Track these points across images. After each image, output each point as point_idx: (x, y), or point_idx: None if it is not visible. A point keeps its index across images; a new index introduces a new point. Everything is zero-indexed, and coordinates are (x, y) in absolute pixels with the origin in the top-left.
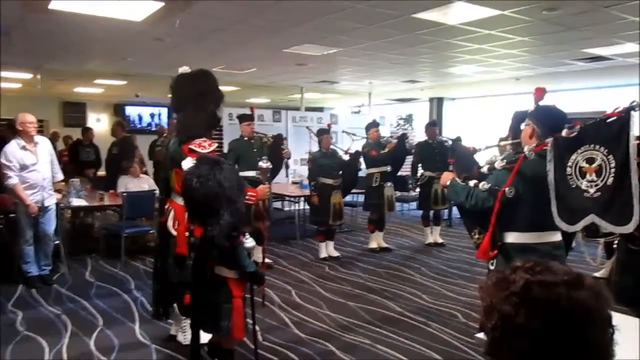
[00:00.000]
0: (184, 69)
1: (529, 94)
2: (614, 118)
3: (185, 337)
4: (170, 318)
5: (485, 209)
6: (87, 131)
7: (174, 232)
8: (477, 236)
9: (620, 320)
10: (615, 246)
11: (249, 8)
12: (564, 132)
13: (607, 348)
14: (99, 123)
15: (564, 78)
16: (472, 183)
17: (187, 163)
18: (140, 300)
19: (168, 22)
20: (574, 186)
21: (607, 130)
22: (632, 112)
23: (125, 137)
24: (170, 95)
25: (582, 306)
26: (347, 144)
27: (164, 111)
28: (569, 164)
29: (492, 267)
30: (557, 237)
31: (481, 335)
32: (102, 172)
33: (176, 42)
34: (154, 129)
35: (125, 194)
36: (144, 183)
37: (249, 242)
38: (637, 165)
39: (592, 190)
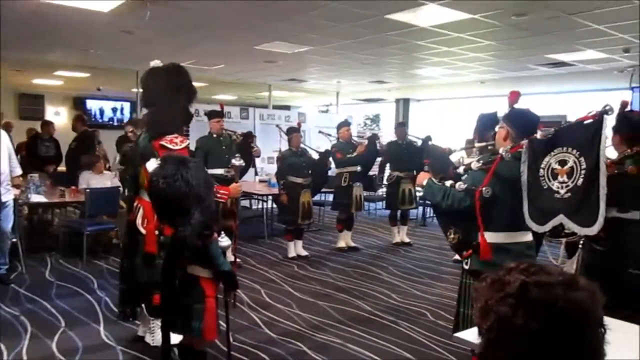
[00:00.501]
0: (156, 63)
1: (493, 97)
2: (588, 121)
3: (153, 339)
4: (138, 319)
5: (462, 209)
6: (47, 125)
7: (143, 231)
8: (452, 236)
9: (619, 326)
10: (579, 246)
11: (221, 3)
12: (538, 134)
13: (600, 347)
14: (58, 116)
15: (527, 82)
16: (448, 184)
17: (152, 164)
18: (104, 301)
19: (137, 14)
20: (545, 187)
21: (581, 133)
22: (605, 116)
23: (86, 132)
24: (135, 90)
25: (579, 306)
26: (316, 143)
27: (127, 105)
28: (542, 165)
29: (466, 267)
30: (529, 237)
31: (459, 334)
32: (62, 168)
33: (144, 35)
34: (115, 123)
35: (88, 190)
36: (107, 180)
37: (224, 241)
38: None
39: (562, 191)
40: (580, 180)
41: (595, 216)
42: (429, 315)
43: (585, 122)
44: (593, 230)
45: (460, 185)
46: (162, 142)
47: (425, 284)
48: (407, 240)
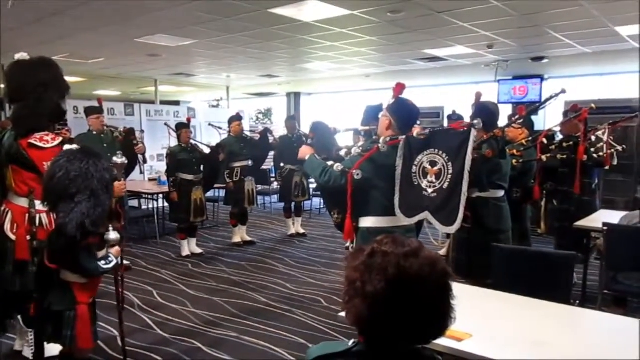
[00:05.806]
0: (22, 55)
1: (379, 90)
2: (459, 131)
3: (32, 351)
4: (13, 332)
5: (337, 187)
6: None
7: (13, 237)
8: (336, 216)
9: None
10: None
11: None
12: (415, 133)
13: (443, 312)
14: None
15: (408, 76)
16: (330, 163)
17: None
18: None
19: None
20: (415, 184)
21: (451, 140)
22: (473, 129)
23: None
24: (1, 85)
25: (409, 273)
26: (207, 139)
27: None
28: (415, 162)
29: (351, 250)
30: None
31: (343, 314)
32: None
33: (8, 25)
34: None
35: None
36: None
37: (111, 234)
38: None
39: (429, 190)
40: (446, 184)
41: (455, 217)
42: (323, 301)
43: (456, 130)
44: (452, 229)
45: (338, 167)
46: (31, 140)
47: (320, 272)
48: (302, 231)
